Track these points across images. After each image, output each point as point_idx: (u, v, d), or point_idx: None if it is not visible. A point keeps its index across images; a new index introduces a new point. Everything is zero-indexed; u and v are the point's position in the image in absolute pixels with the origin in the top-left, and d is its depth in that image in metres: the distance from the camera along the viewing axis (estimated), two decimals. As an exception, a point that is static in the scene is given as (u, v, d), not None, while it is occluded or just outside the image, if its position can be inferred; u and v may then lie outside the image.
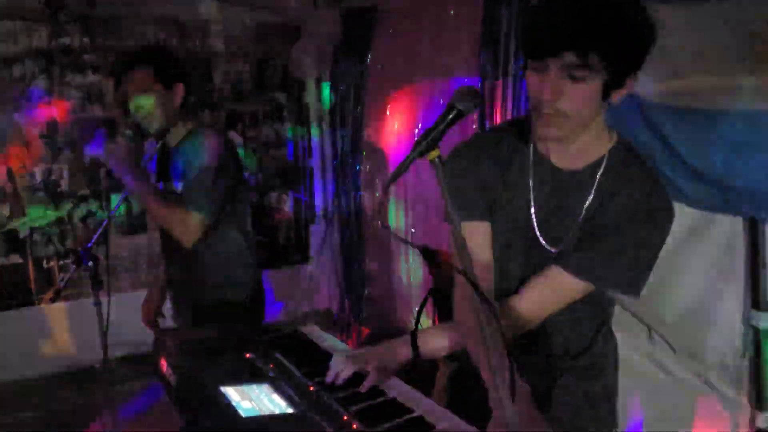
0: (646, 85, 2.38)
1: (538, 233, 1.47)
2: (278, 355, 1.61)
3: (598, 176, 1.42)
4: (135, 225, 4.16)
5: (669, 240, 2.44)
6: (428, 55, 3.66)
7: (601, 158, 1.42)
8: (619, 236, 1.38)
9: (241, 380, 1.42)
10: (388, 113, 4.08)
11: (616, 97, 1.32)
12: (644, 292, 2.53)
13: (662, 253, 2.47)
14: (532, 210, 1.47)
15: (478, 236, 1.50)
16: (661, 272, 2.53)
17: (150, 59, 2.40)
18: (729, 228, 2.34)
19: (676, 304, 2.52)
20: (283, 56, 4.57)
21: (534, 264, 1.50)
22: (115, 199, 4.00)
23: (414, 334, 1.55)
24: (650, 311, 2.62)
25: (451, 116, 1.31)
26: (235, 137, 4.48)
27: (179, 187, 2.45)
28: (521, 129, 1.52)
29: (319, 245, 4.98)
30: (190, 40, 4.22)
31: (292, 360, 1.59)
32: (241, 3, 4.26)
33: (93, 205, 4.04)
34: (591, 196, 1.42)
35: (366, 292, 4.54)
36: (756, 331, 2.30)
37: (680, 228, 2.46)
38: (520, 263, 1.52)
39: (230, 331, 1.81)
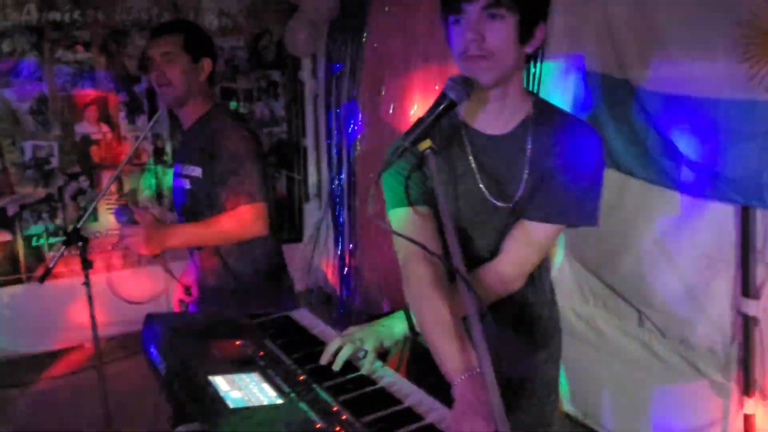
0: (639, 71, 2.38)
1: (488, 197, 1.56)
2: (268, 342, 1.61)
3: (529, 131, 1.54)
4: (126, 203, 4.11)
5: (660, 225, 2.49)
6: (425, 36, 3.61)
7: (527, 116, 1.55)
8: (567, 174, 1.51)
9: (231, 369, 1.42)
10: (384, 92, 4.03)
11: (530, 47, 1.45)
12: (637, 276, 2.58)
13: (653, 239, 2.52)
14: (478, 179, 1.56)
15: (426, 219, 1.57)
16: (652, 257, 2.56)
17: (181, 28, 2.37)
18: (720, 215, 2.34)
19: (667, 289, 2.53)
20: (278, 33, 4.52)
21: (497, 227, 1.59)
22: (106, 178, 4.01)
23: (407, 310, 1.57)
24: (640, 296, 2.63)
25: (443, 106, 1.33)
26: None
27: (191, 171, 2.38)
28: (446, 112, 1.55)
29: (313, 224, 4.98)
30: (183, 15, 4.16)
31: (282, 347, 1.58)
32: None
33: (83, 183, 4.01)
34: (529, 149, 1.53)
35: (358, 271, 4.53)
36: (745, 317, 2.31)
37: (671, 214, 2.47)
38: (484, 231, 1.60)
39: (221, 316, 1.80)
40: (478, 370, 1.26)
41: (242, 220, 2.22)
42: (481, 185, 1.56)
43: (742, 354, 2.35)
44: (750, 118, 2.06)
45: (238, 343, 1.59)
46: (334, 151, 4.52)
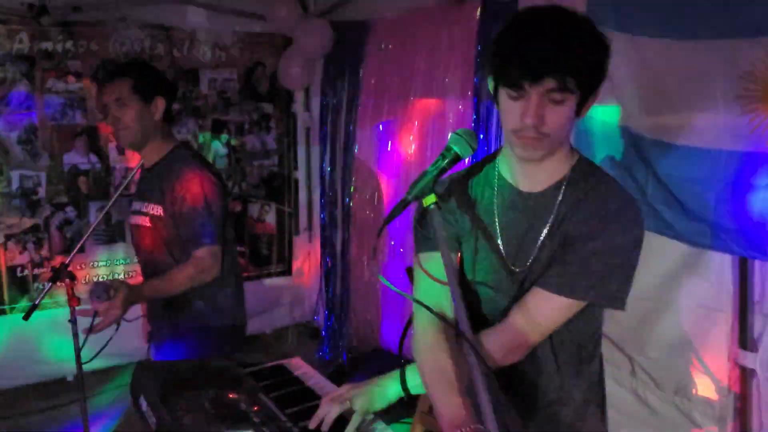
0: (640, 119, 2.38)
1: (504, 256, 1.48)
2: (262, 395, 1.56)
3: (561, 192, 1.44)
4: (112, 233, 4.07)
5: (658, 274, 2.47)
6: (422, 73, 3.62)
7: (565, 176, 1.45)
8: (589, 242, 1.38)
9: (225, 425, 1.37)
10: (380, 128, 4.03)
11: (585, 111, 1.39)
12: (632, 324, 2.55)
13: (651, 287, 2.49)
14: (499, 235, 1.49)
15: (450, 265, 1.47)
16: (650, 305, 2.53)
17: (129, 71, 2.38)
18: (718, 265, 2.34)
19: (663, 339, 2.51)
20: (272, 65, 4.51)
21: (509, 291, 1.49)
22: (94, 208, 3.94)
23: (403, 370, 1.52)
24: (636, 345, 2.60)
25: (447, 160, 1.31)
26: (219, 147, 4.41)
27: (152, 209, 2.41)
28: (486, 163, 1.55)
29: (303, 258, 4.92)
30: (176, 47, 4.14)
31: (277, 401, 1.54)
32: (230, 12, 4.19)
33: (70, 213, 3.94)
34: (555, 210, 1.43)
35: (349, 308, 4.48)
36: (743, 369, 2.29)
37: (670, 262, 2.46)
38: (497, 292, 1.52)
39: (213, 365, 1.74)
40: (475, 426, 1.22)
41: (200, 265, 2.30)
42: (500, 242, 1.49)
43: (738, 405, 2.32)
44: (751, 170, 2.06)
45: (231, 395, 1.54)
46: (327, 184, 4.49)
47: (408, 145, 3.83)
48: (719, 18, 2.08)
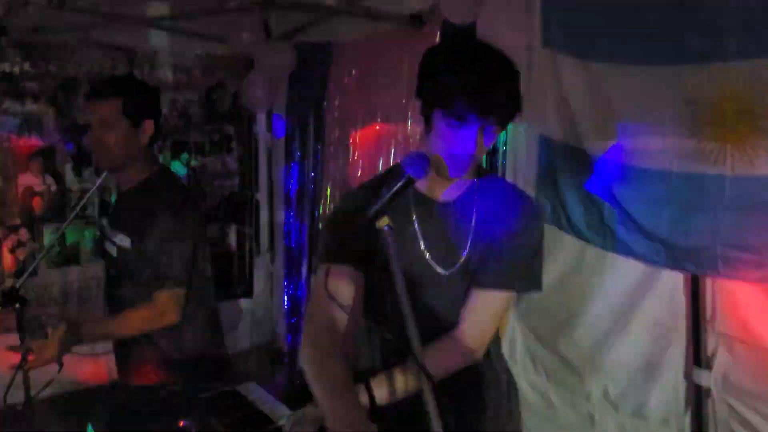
0: (595, 141, 2.43)
1: (430, 262, 1.60)
2: (214, 422, 1.53)
3: (475, 198, 1.62)
4: (66, 256, 3.98)
5: (615, 294, 2.51)
6: (385, 95, 3.64)
7: (472, 184, 1.64)
8: (513, 240, 1.59)
9: (173, 453, 1.34)
10: (347, 148, 4.03)
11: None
12: (589, 345, 2.58)
13: (607, 308, 2.52)
14: (421, 242, 1.60)
15: (350, 279, 1.60)
16: (607, 326, 2.56)
17: (120, 89, 2.21)
18: (671, 283, 2.37)
19: (621, 359, 2.53)
20: (234, 86, 4.50)
21: (438, 295, 1.62)
22: (48, 231, 3.86)
23: (368, 382, 1.53)
24: (594, 367, 2.62)
25: (401, 183, 1.34)
26: (179, 168, 4.37)
27: (119, 240, 2.28)
28: (397, 174, 1.58)
29: (264, 279, 4.88)
30: (138, 68, 4.11)
31: (229, 427, 1.51)
32: (192, 34, 4.17)
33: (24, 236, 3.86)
34: (474, 215, 1.61)
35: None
36: (698, 388, 2.32)
37: (626, 283, 2.49)
38: (426, 299, 1.62)
39: (164, 391, 1.71)
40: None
41: (158, 309, 2.15)
42: (424, 250, 1.60)
43: (694, 424, 2.35)
44: (701, 191, 2.11)
45: (181, 423, 1.51)
46: (294, 205, 4.46)
47: (375, 167, 3.84)
48: (665, 44, 2.14)
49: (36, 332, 2.10)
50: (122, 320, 2.20)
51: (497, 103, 1.44)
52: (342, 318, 1.57)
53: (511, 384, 1.86)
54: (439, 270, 1.60)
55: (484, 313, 1.61)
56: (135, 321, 2.18)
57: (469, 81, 1.43)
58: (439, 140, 1.50)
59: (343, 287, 1.58)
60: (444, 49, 1.59)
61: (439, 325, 1.63)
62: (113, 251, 2.32)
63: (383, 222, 1.34)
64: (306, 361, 1.54)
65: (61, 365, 2.10)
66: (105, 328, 2.23)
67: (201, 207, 2.44)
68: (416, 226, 1.61)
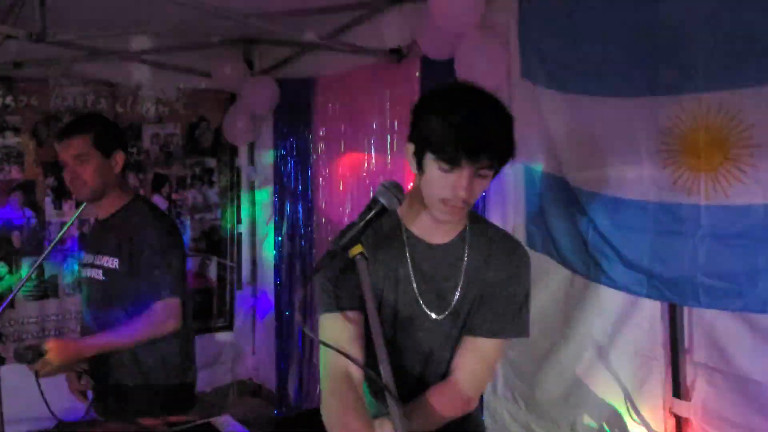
0: (578, 173, 2.45)
1: (423, 305, 1.59)
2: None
3: (467, 243, 1.61)
4: (45, 289, 3.93)
5: (597, 324, 2.51)
6: (368, 128, 3.67)
7: (465, 226, 1.63)
8: (505, 289, 1.60)
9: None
10: (333, 180, 4.04)
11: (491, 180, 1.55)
12: (571, 377, 2.57)
13: (590, 338, 2.52)
14: (414, 286, 1.59)
15: (357, 324, 1.56)
16: (588, 356, 2.56)
17: (89, 126, 2.35)
18: (650, 313, 2.38)
19: (602, 390, 2.52)
20: (216, 120, 4.52)
21: (430, 338, 1.61)
22: (26, 264, 3.82)
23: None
24: (576, 400, 2.61)
25: (374, 211, 1.34)
26: (160, 201, 4.35)
27: (106, 262, 2.35)
28: (388, 217, 1.60)
29: (244, 313, 4.84)
30: (120, 102, 4.12)
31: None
32: (175, 68, 4.20)
33: (2, 269, 3.81)
34: (465, 260, 1.60)
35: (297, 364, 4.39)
36: (677, 418, 2.31)
37: (608, 312, 2.50)
38: (414, 339, 1.62)
39: (136, 426, 1.68)
40: None
41: (156, 319, 2.24)
42: (417, 293, 1.59)
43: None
44: (677, 221, 2.14)
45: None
46: (284, 238, 4.45)
47: (362, 200, 3.85)
48: (639, 76, 2.19)
49: (24, 357, 2.06)
50: (123, 331, 2.24)
51: (488, 147, 1.42)
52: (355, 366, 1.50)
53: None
54: (431, 314, 1.59)
55: (479, 362, 1.61)
56: (136, 330, 2.23)
57: (460, 125, 1.41)
58: (432, 185, 1.48)
59: (345, 334, 1.53)
60: (436, 93, 1.53)
61: (431, 367, 1.64)
62: (98, 275, 2.38)
63: (356, 250, 1.34)
64: (326, 413, 1.50)
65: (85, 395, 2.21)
66: (106, 341, 2.24)
67: (176, 223, 2.58)
68: (410, 268, 1.59)
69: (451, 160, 1.42)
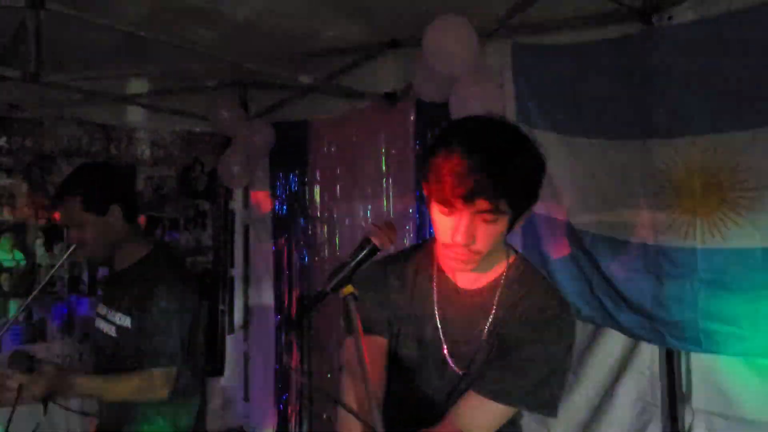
0: (579, 215, 2.45)
1: (446, 354, 1.49)
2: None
3: (498, 293, 1.46)
4: (33, 333, 3.85)
5: (600, 368, 2.47)
6: (364, 172, 3.68)
7: (501, 275, 1.48)
8: (525, 348, 1.40)
9: None
10: (328, 222, 4.03)
11: (518, 226, 1.40)
12: (575, 422, 2.52)
13: (593, 381, 2.47)
14: (440, 331, 1.50)
15: (377, 349, 1.50)
16: (594, 402, 2.51)
17: (77, 188, 2.23)
18: (649, 359, 2.35)
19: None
20: (210, 163, 4.52)
21: (446, 384, 1.50)
22: (14, 305, 3.76)
23: None
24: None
25: (365, 251, 1.32)
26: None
27: (119, 319, 2.27)
28: (426, 252, 1.57)
29: (235, 358, 4.76)
30: (114, 144, 4.12)
31: None
32: (169, 111, 4.22)
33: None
34: (493, 311, 1.45)
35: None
36: (678, 465, 2.26)
37: (610, 358, 2.47)
38: (433, 385, 1.53)
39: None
40: None
41: (150, 384, 2.14)
42: (442, 339, 1.50)
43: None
44: (674, 264, 2.13)
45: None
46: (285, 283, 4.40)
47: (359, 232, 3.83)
48: (634, 120, 2.20)
49: (21, 365, 1.97)
50: (113, 383, 2.17)
51: (484, 189, 1.26)
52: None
53: None
54: (454, 366, 1.48)
55: (477, 423, 1.42)
56: (126, 387, 2.15)
57: (453, 161, 1.28)
58: (436, 228, 1.39)
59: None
60: (444, 129, 1.40)
61: (434, 409, 1.53)
62: (111, 331, 2.30)
63: (347, 290, 1.31)
64: None
65: (45, 408, 2.02)
66: (95, 384, 2.16)
67: (196, 283, 2.42)
68: (436, 309, 1.50)
69: (444, 202, 1.31)
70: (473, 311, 1.48)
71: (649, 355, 2.35)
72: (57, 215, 2.31)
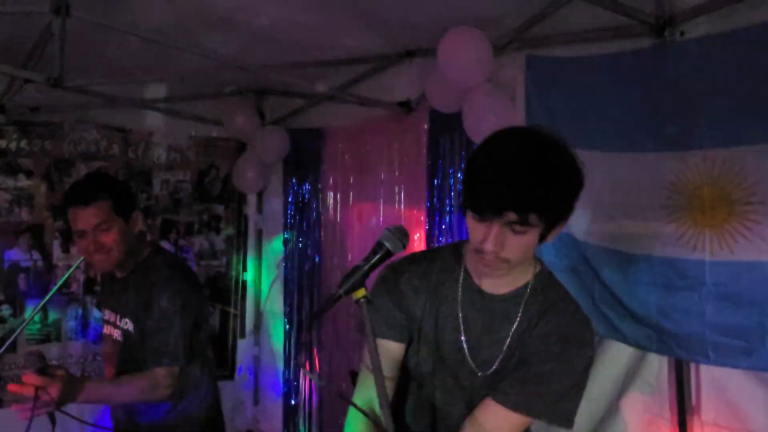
0: (583, 227, 2.46)
1: (468, 356, 1.51)
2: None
3: (523, 301, 1.49)
4: (48, 333, 3.91)
5: (606, 380, 2.47)
6: (377, 179, 3.71)
7: (526, 284, 1.51)
8: (548, 362, 1.43)
9: None
10: (341, 229, 4.06)
11: (551, 237, 1.42)
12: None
13: (600, 394, 2.47)
14: (462, 334, 1.51)
15: (388, 354, 1.53)
16: (601, 414, 2.51)
17: (107, 192, 2.23)
18: (661, 371, 2.35)
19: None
20: (225, 168, 4.57)
21: (464, 387, 1.53)
22: (31, 307, 3.81)
23: None
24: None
25: (378, 255, 1.34)
26: (167, 247, 4.37)
27: (125, 324, 2.32)
28: (454, 253, 1.59)
29: (246, 362, 4.79)
30: (132, 148, 4.18)
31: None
32: (187, 117, 4.28)
33: (6, 312, 3.80)
34: (518, 320, 1.48)
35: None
36: (686, 478, 2.26)
37: (617, 369, 2.47)
38: (449, 386, 1.55)
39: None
40: None
41: (154, 382, 2.16)
42: (463, 339, 1.52)
43: None
44: (682, 276, 2.14)
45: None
46: (295, 289, 4.44)
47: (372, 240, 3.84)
48: (645, 133, 2.22)
49: (35, 365, 1.93)
50: (121, 386, 2.19)
51: (513, 202, 1.29)
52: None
53: None
54: (474, 368, 1.51)
55: (488, 428, 1.45)
56: (132, 388, 2.17)
57: (486, 176, 1.33)
58: (469, 233, 1.42)
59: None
60: (486, 140, 1.43)
61: (451, 415, 1.57)
62: (118, 336, 2.36)
63: (360, 294, 1.34)
64: None
65: (53, 422, 1.99)
66: (102, 390, 2.17)
67: (198, 281, 2.47)
68: (459, 312, 1.53)
69: (477, 211, 1.35)
70: (496, 316, 1.51)
71: (656, 366, 2.35)
72: (82, 220, 2.19)
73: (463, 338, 1.51)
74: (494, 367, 1.49)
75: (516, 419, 1.44)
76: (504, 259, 1.37)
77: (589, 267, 2.45)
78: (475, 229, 1.38)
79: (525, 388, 1.44)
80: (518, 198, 1.29)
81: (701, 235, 2.08)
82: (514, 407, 1.43)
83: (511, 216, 1.31)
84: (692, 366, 2.25)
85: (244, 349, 4.79)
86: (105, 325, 2.45)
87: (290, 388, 4.47)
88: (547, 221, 1.35)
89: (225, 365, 4.70)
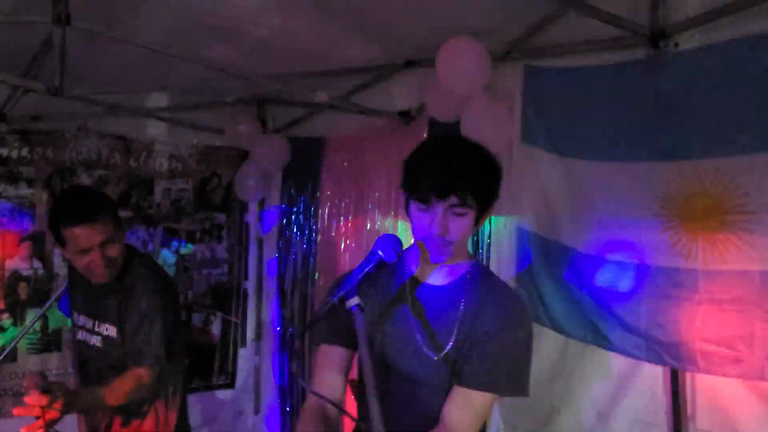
0: (573, 235, 2.48)
1: (423, 346, 1.62)
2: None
3: (464, 286, 1.65)
4: (48, 342, 3.91)
5: (597, 388, 2.48)
6: (376, 188, 3.73)
7: (465, 274, 1.68)
8: (496, 341, 1.59)
9: None
10: (339, 238, 4.08)
11: (481, 223, 1.64)
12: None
13: (591, 402, 2.48)
14: (414, 326, 1.63)
15: (338, 360, 1.71)
16: (589, 423, 2.52)
17: (107, 209, 2.28)
18: (650, 378, 2.36)
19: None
20: (227, 176, 4.59)
21: (424, 375, 1.63)
22: (32, 315, 3.81)
23: None
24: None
25: (372, 263, 1.38)
26: (169, 255, 4.39)
27: (104, 330, 2.35)
28: (400, 259, 1.67)
29: (246, 370, 4.80)
30: (134, 157, 4.21)
31: None
32: (189, 125, 4.30)
33: (6, 321, 3.81)
34: (461, 307, 1.62)
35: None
36: (681, 487, 2.26)
37: (608, 378, 2.47)
38: (414, 378, 1.65)
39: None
40: None
41: (138, 381, 2.22)
42: (416, 332, 1.62)
43: None
44: (675, 285, 2.15)
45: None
46: (288, 295, 4.46)
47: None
48: (639, 142, 2.24)
49: (40, 386, 1.92)
50: (111, 390, 2.21)
51: (455, 185, 1.50)
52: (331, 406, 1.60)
53: None
54: (430, 354, 1.62)
55: (467, 413, 1.59)
56: (121, 391, 2.21)
57: (428, 165, 1.54)
58: (413, 225, 1.58)
59: (333, 369, 1.69)
60: (419, 144, 1.67)
61: (423, 411, 1.64)
62: (97, 342, 2.38)
63: (353, 302, 1.37)
64: None
65: None
66: (96, 396, 2.19)
67: (173, 280, 2.57)
68: (408, 307, 1.66)
69: (421, 198, 1.53)
70: (443, 305, 1.64)
71: (650, 374, 2.35)
72: (88, 238, 2.20)
73: (416, 331, 1.63)
74: (448, 350, 1.61)
75: (482, 397, 1.59)
76: (449, 241, 1.55)
77: (578, 276, 2.47)
78: (420, 219, 1.56)
79: (483, 368, 1.58)
80: (459, 181, 1.50)
81: (694, 243, 2.09)
82: (477, 387, 1.58)
83: (453, 199, 1.50)
84: (687, 374, 2.25)
85: (245, 357, 4.80)
86: (81, 332, 2.47)
87: (285, 397, 4.46)
88: (480, 205, 1.56)
89: (225, 373, 4.71)
